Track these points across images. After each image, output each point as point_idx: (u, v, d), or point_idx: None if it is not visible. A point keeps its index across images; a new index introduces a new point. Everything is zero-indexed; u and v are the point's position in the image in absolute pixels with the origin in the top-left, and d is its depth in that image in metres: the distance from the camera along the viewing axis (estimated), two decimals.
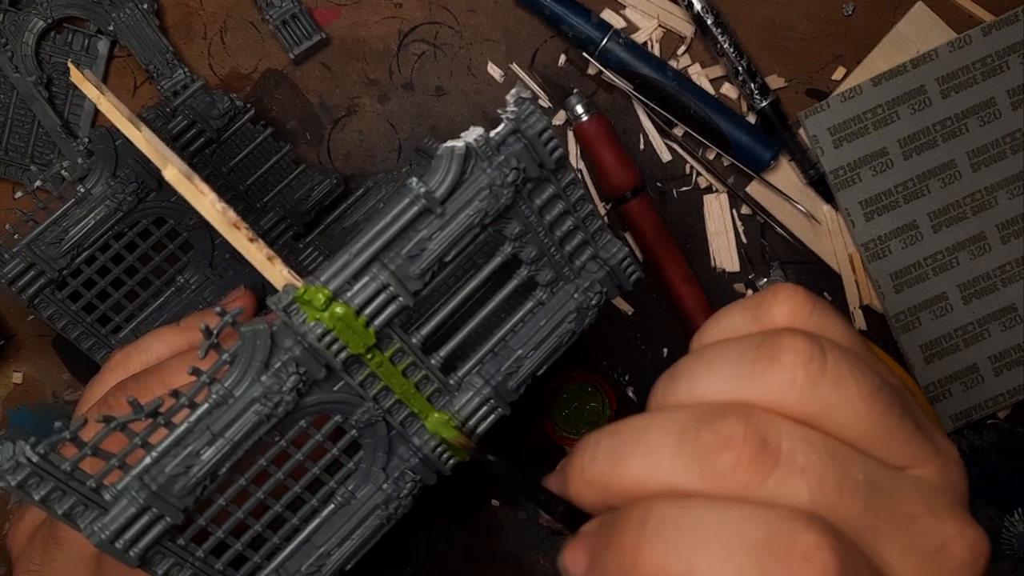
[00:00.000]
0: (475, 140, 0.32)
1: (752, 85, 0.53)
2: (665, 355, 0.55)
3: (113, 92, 0.54)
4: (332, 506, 0.34)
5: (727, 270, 0.55)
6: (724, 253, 0.55)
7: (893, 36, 0.54)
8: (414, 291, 0.32)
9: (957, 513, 0.25)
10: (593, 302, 0.36)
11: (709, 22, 0.53)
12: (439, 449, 0.34)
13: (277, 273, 0.31)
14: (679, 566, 0.22)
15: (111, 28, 0.51)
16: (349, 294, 0.31)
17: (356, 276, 0.31)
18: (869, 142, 0.53)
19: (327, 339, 0.30)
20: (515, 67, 0.55)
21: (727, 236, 0.55)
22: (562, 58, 0.55)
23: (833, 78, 0.55)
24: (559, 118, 0.54)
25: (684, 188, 0.55)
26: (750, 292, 0.55)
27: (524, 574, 0.54)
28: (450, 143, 0.31)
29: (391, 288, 0.31)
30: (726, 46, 0.53)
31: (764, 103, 0.53)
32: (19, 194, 0.45)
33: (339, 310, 0.30)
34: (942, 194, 0.53)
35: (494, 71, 0.55)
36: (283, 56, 0.54)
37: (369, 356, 0.32)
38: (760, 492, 0.23)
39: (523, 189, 0.33)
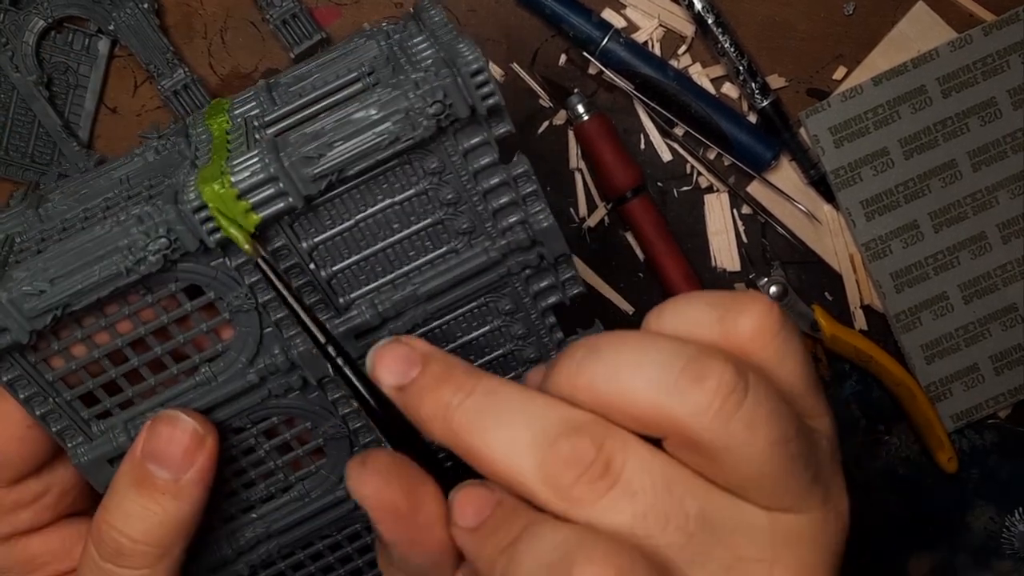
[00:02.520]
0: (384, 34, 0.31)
1: (753, 85, 0.53)
2: None
3: (113, 92, 0.54)
4: (194, 380, 0.34)
5: (728, 270, 0.55)
6: (725, 253, 0.55)
7: (894, 36, 0.54)
8: (306, 195, 0.30)
9: (803, 571, 0.26)
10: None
11: (710, 21, 0.53)
12: (204, 214, 0.31)
13: None
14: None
15: (111, 27, 0.51)
16: (233, 177, 0.30)
17: (247, 161, 0.30)
18: (870, 142, 0.53)
19: (202, 213, 0.30)
20: (515, 67, 0.55)
21: (728, 236, 0.55)
22: (563, 58, 0.55)
23: (834, 78, 0.55)
24: (559, 118, 0.54)
25: (685, 188, 0.55)
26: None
27: None
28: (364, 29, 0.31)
29: (280, 184, 0.30)
30: (727, 46, 0.53)
31: (765, 103, 0.53)
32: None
33: (218, 187, 0.30)
34: (943, 194, 0.53)
35: (494, 71, 0.54)
36: (283, 56, 0.54)
37: (247, 246, 0.31)
38: (590, 510, 0.25)
39: (448, 127, 0.31)
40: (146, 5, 0.51)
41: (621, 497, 0.25)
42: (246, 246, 0.31)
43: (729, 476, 0.25)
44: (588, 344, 0.27)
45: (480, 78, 0.30)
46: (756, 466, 0.25)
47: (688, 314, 0.27)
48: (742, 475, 0.25)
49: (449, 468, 0.30)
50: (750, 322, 0.27)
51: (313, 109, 0.33)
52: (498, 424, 0.26)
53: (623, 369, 0.26)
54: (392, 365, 0.28)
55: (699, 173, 0.55)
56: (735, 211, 0.55)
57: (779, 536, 0.26)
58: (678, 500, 0.25)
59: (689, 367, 0.25)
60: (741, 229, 0.55)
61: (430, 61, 0.31)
